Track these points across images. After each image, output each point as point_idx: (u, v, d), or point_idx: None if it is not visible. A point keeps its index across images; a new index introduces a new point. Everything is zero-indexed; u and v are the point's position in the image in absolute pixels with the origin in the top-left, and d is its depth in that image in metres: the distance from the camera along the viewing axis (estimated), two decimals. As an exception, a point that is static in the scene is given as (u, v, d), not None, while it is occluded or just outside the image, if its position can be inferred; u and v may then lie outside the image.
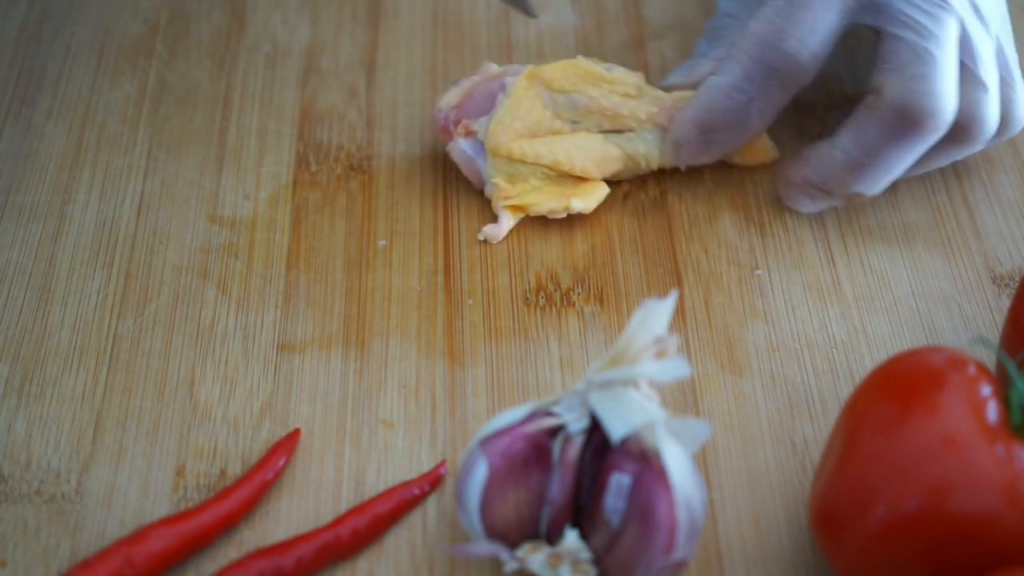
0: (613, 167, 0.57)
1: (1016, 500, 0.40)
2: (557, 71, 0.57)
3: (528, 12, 0.59)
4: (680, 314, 0.55)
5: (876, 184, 0.55)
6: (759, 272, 0.57)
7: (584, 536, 0.45)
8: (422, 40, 0.66)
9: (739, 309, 0.55)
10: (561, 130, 0.57)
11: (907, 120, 0.53)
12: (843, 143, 0.55)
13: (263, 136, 0.62)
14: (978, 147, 0.56)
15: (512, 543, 0.45)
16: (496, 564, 0.48)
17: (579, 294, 0.56)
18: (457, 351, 0.54)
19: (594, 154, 0.57)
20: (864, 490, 0.43)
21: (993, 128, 0.55)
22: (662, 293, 0.55)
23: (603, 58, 0.65)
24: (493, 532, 0.45)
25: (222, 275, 0.56)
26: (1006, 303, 0.56)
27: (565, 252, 0.57)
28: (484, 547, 0.44)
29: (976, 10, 0.54)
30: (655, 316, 0.44)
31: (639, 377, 0.44)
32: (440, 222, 0.58)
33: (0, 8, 0.67)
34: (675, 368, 0.43)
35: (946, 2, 0.53)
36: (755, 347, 0.54)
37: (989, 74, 0.54)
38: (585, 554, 0.44)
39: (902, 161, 0.55)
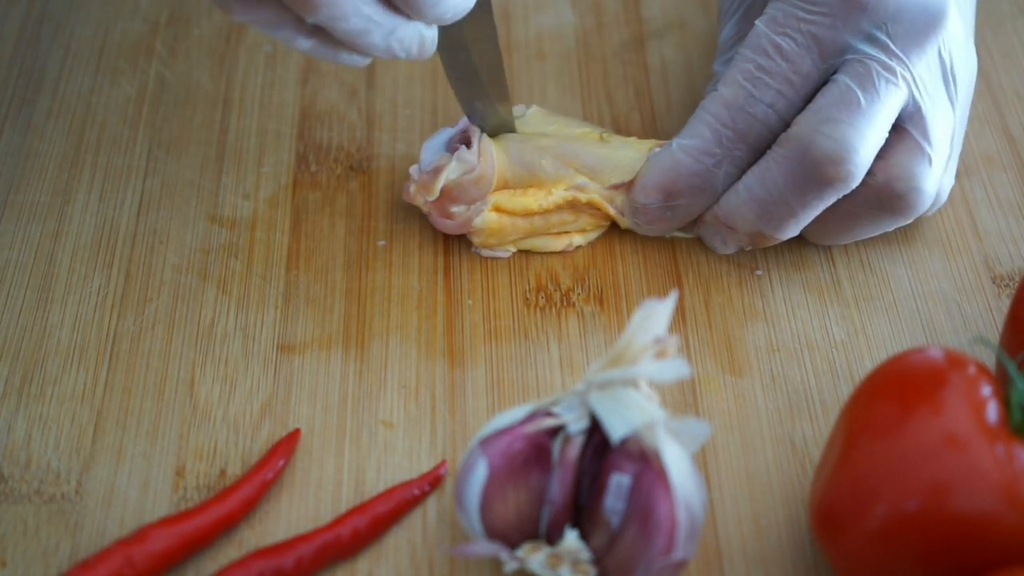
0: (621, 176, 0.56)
1: (1016, 500, 0.40)
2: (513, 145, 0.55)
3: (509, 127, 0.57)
4: (680, 314, 0.55)
5: (781, 227, 0.53)
6: (759, 272, 0.57)
7: (584, 536, 0.45)
8: (422, 40, 0.66)
9: (739, 309, 0.55)
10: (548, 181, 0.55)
11: (809, 163, 0.51)
12: (747, 180, 0.53)
13: (263, 136, 0.62)
14: (910, 219, 0.54)
15: (512, 543, 0.45)
16: (496, 564, 0.48)
17: (579, 294, 0.56)
18: (457, 351, 0.54)
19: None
20: (864, 490, 0.43)
21: (930, 200, 0.53)
22: (662, 293, 0.55)
23: (603, 58, 0.65)
24: (493, 532, 0.45)
25: (222, 275, 0.56)
26: (1006, 303, 0.56)
27: (565, 252, 0.57)
28: (484, 547, 0.44)
29: (945, 79, 0.53)
30: (655, 316, 0.44)
31: (639, 377, 0.44)
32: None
33: (0, 8, 0.67)
34: (675, 368, 0.43)
35: (906, 63, 0.51)
36: (755, 347, 0.54)
37: (937, 148, 0.52)
38: (585, 554, 0.44)
39: (806, 206, 0.52)
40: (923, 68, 0.52)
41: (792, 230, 0.53)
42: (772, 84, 0.52)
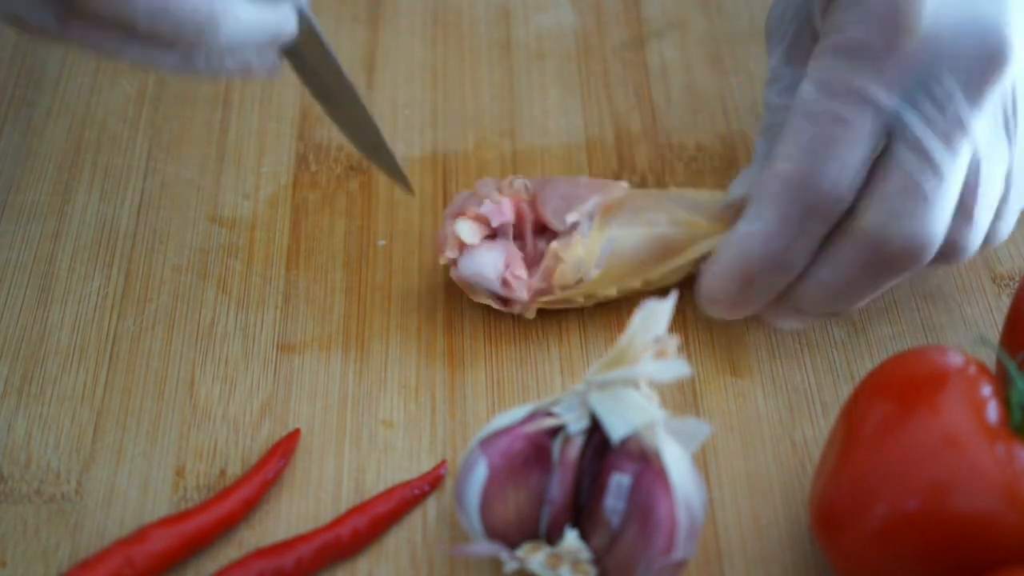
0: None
1: (1016, 500, 0.40)
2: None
3: (406, 188, 0.55)
4: (680, 314, 0.55)
5: (852, 305, 0.50)
6: (759, 272, 0.57)
7: (584, 536, 0.45)
8: (422, 40, 0.66)
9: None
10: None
11: (883, 257, 0.48)
12: (819, 272, 0.49)
13: (263, 136, 0.62)
14: (951, 265, 0.51)
15: (512, 543, 0.45)
16: (496, 564, 0.48)
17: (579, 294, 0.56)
18: (457, 351, 0.54)
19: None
20: (864, 490, 0.43)
21: (971, 253, 0.50)
22: (662, 293, 0.55)
23: (603, 58, 0.65)
24: (493, 532, 0.45)
25: (222, 275, 0.56)
26: (1006, 303, 0.56)
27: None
28: (484, 547, 0.44)
29: (1007, 120, 0.49)
30: (655, 316, 0.44)
31: (639, 377, 0.44)
32: (440, 222, 0.58)
33: (0, 8, 0.67)
34: (675, 368, 0.43)
35: (967, 132, 0.47)
36: (755, 347, 0.54)
37: (983, 209, 0.49)
38: (585, 554, 0.44)
39: (880, 288, 0.50)
40: (987, 119, 0.48)
41: (859, 304, 0.51)
42: (837, 154, 0.47)
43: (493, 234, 0.52)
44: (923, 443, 0.42)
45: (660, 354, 0.44)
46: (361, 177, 0.60)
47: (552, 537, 0.45)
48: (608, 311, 0.55)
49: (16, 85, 0.64)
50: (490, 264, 0.51)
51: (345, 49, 0.65)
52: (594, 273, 0.52)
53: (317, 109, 0.62)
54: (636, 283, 0.53)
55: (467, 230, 0.52)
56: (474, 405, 0.52)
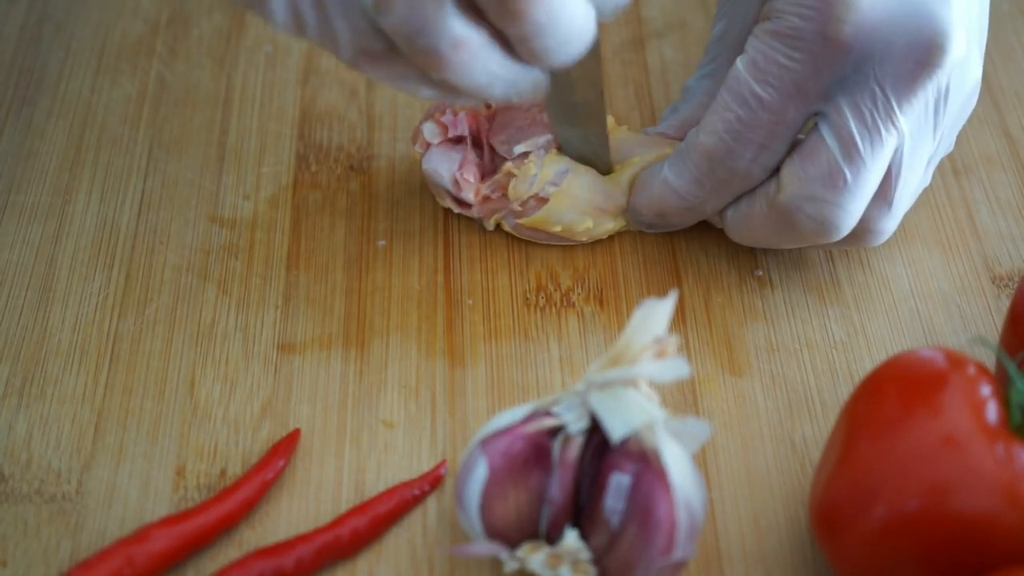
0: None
1: (1016, 500, 0.40)
2: None
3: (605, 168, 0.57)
4: (680, 314, 0.55)
5: (764, 248, 0.55)
6: (759, 272, 0.57)
7: (584, 536, 0.45)
8: (422, 40, 0.66)
9: (739, 309, 0.55)
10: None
11: (792, 230, 0.51)
12: (731, 217, 0.54)
13: (263, 136, 0.62)
14: (866, 247, 0.54)
15: (512, 543, 0.45)
16: (496, 564, 0.48)
17: (579, 294, 0.56)
18: (457, 351, 0.54)
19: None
20: (864, 490, 0.43)
21: (886, 238, 0.53)
22: (662, 293, 0.55)
23: (603, 58, 0.65)
24: (493, 532, 0.45)
25: (222, 275, 0.56)
26: (1006, 303, 0.56)
27: (565, 252, 0.57)
28: (484, 547, 0.44)
29: (936, 110, 0.49)
30: (655, 316, 0.44)
31: (639, 377, 0.44)
32: (440, 222, 0.58)
33: (0, 8, 0.67)
34: (675, 368, 0.43)
35: (895, 125, 0.48)
36: (755, 347, 0.54)
37: (903, 197, 0.51)
38: (585, 554, 0.44)
39: (785, 246, 0.54)
40: (916, 112, 0.49)
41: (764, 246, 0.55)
42: (754, 138, 0.50)
43: (462, 140, 0.56)
44: (923, 443, 0.42)
45: (660, 354, 0.44)
46: (361, 177, 0.60)
47: (552, 537, 0.45)
48: (608, 310, 0.55)
49: (16, 85, 0.64)
50: (445, 164, 0.55)
51: (345, 49, 0.65)
52: (550, 190, 0.54)
53: (317, 109, 0.62)
54: (604, 216, 0.56)
55: (429, 131, 0.56)
56: (474, 405, 0.52)
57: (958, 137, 0.62)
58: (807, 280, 0.56)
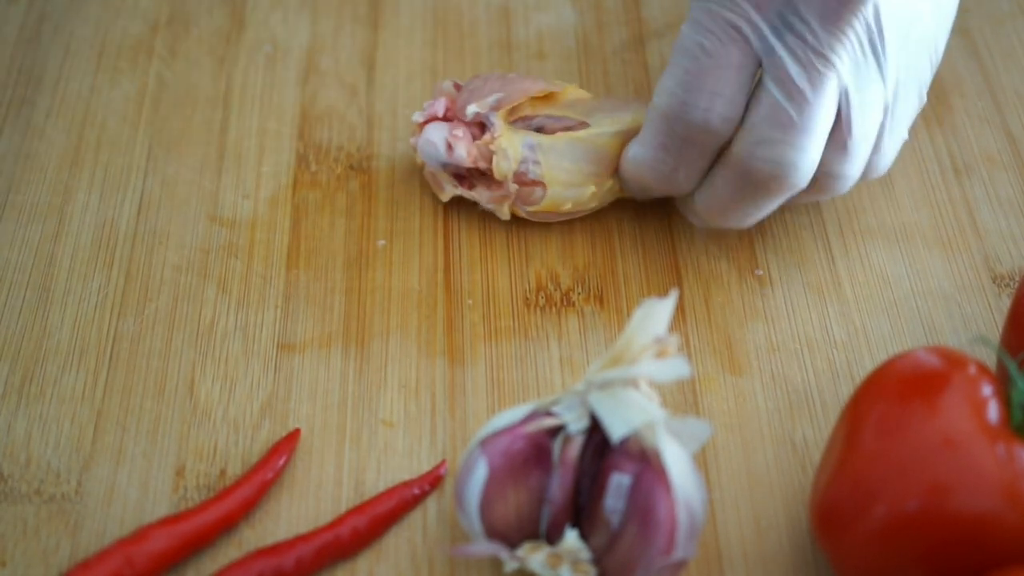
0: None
1: (1017, 500, 0.40)
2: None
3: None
4: (680, 314, 0.55)
5: (742, 223, 0.54)
6: (759, 272, 0.57)
7: (584, 536, 0.45)
8: (422, 40, 0.66)
9: (739, 309, 0.55)
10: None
11: (752, 182, 0.52)
12: (699, 194, 0.54)
13: (263, 136, 0.62)
14: (834, 196, 0.54)
15: (512, 543, 0.45)
16: (496, 564, 0.48)
17: (579, 294, 0.56)
18: (457, 351, 0.54)
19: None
20: (864, 490, 0.43)
21: (851, 183, 0.53)
22: (662, 293, 0.55)
23: (603, 57, 0.65)
24: (493, 532, 0.45)
25: (222, 275, 0.56)
26: (1006, 303, 0.56)
27: (565, 252, 0.57)
28: (484, 547, 0.44)
29: (873, 47, 0.51)
30: (655, 316, 0.44)
31: (639, 377, 0.44)
32: (440, 222, 0.58)
33: (0, 8, 0.67)
34: (675, 368, 0.43)
35: (828, 61, 0.50)
36: (755, 347, 0.54)
37: (858, 140, 0.52)
38: (585, 554, 0.44)
39: (760, 208, 0.53)
40: (849, 47, 0.50)
41: (754, 221, 0.55)
42: (704, 86, 0.51)
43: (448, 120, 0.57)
44: (923, 443, 0.42)
45: (660, 354, 0.44)
46: (361, 177, 0.60)
47: (552, 537, 0.45)
48: (608, 310, 0.55)
49: (16, 85, 0.64)
50: (435, 134, 0.56)
51: (345, 49, 0.65)
52: (536, 170, 0.55)
53: (317, 109, 0.62)
54: (602, 177, 0.56)
55: (417, 116, 0.57)
56: (474, 404, 0.52)
57: (959, 135, 0.62)
58: (807, 279, 0.56)
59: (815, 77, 0.50)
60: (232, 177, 0.60)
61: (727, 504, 0.49)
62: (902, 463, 0.42)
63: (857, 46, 0.51)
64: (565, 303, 0.55)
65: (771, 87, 0.50)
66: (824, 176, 0.52)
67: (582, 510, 0.45)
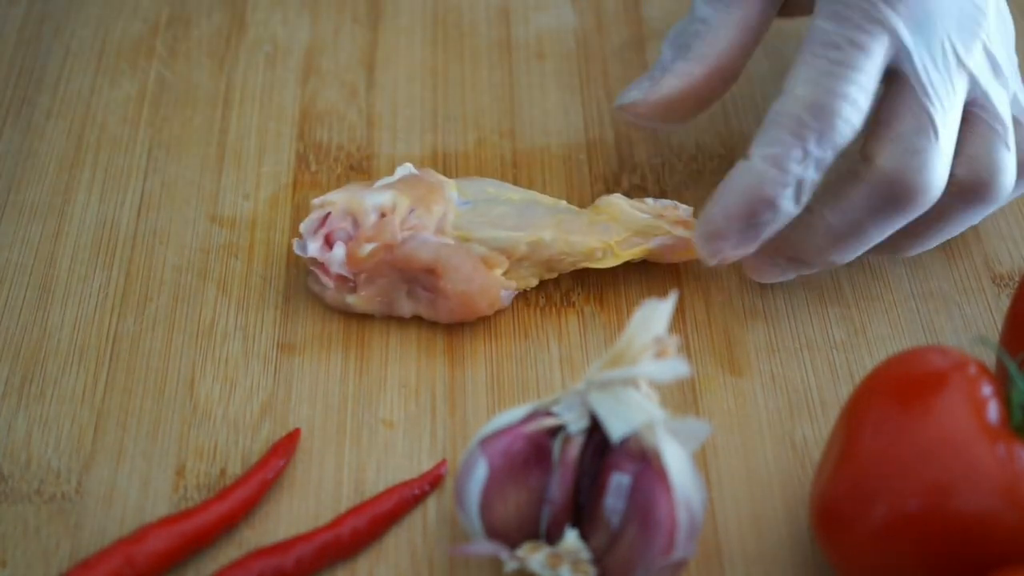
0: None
1: (1017, 500, 0.40)
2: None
3: None
4: (680, 314, 0.55)
5: (853, 255, 0.52)
6: (759, 272, 0.57)
7: (584, 536, 0.45)
8: (422, 40, 0.66)
9: (739, 309, 0.55)
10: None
11: (897, 197, 0.50)
12: (826, 215, 0.51)
13: (263, 136, 0.62)
14: (998, 205, 0.53)
15: (512, 543, 0.45)
16: (496, 564, 0.48)
17: (579, 294, 0.56)
18: (457, 351, 0.54)
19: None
20: (864, 490, 0.43)
21: (1013, 182, 0.52)
22: (662, 293, 0.55)
23: (603, 58, 0.65)
24: (493, 532, 0.45)
25: (222, 275, 0.56)
26: (1006, 303, 0.56)
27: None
28: (484, 547, 0.44)
29: (991, 61, 0.51)
30: (655, 316, 0.44)
31: (639, 377, 0.44)
32: (440, 222, 0.58)
33: (0, 8, 0.67)
34: (675, 368, 0.43)
35: (965, 68, 0.50)
36: (755, 347, 0.54)
37: (1008, 125, 0.51)
38: (585, 554, 0.44)
39: (883, 234, 0.51)
40: (977, 63, 0.51)
41: (858, 254, 0.53)
42: (851, 77, 0.49)
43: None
44: (923, 443, 0.42)
45: (660, 354, 0.44)
46: (361, 177, 0.60)
47: (552, 537, 0.45)
48: (608, 310, 0.55)
49: (16, 84, 0.64)
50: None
51: (345, 49, 0.65)
52: (451, 228, 0.53)
53: (317, 109, 0.62)
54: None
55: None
56: (474, 404, 0.52)
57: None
58: (807, 280, 0.56)
59: (951, 86, 0.50)
60: (232, 177, 0.60)
61: (727, 504, 0.49)
62: (902, 463, 0.42)
63: (983, 59, 0.51)
64: (565, 303, 0.55)
65: (914, 94, 0.49)
66: (992, 177, 0.51)
67: (582, 510, 0.45)
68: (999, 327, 0.55)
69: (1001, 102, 0.51)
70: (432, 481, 0.49)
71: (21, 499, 0.49)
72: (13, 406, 0.52)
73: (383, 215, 0.53)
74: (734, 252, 0.51)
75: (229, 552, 0.48)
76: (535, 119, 0.62)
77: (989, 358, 0.52)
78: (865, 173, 0.50)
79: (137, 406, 0.52)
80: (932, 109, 0.49)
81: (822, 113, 0.48)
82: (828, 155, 0.49)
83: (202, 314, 0.55)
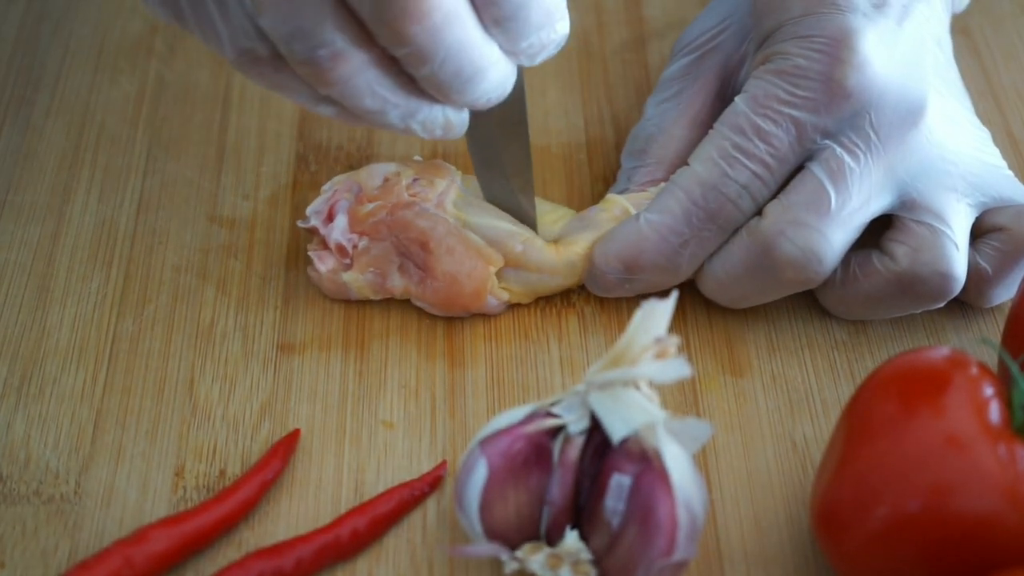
0: None
1: (1018, 501, 0.40)
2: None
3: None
4: (680, 314, 0.55)
5: (737, 305, 0.53)
6: (759, 272, 0.57)
7: (584, 537, 0.45)
8: (422, 40, 0.66)
9: (739, 309, 0.55)
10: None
11: (770, 262, 0.50)
12: (713, 262, 0.52)
13: (263, 136, 0.62)
14: (940, 303, 0.52)
15: (512, 544, 0.45)
16: (496, 564, 0.47)
17: (579, 294, 0.56)
18: (457, 351, 0.54)
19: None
20: (866, 490, 0.43)
21: (960, 285, 0.51)
22: (662, 294, 0.55)
23: (603, 58, 0.65)
24: (493, 533, 0.45)
25: (222, 275, 0.56)
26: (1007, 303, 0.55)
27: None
28: (484, 548, 0.44)
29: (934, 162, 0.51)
30: (655, 316, 0.44)
31: (639, 377, 0.44)
32: (440, 222, 0.58)
33: (-1, 7, 0.67)
34: (675, 368, 0.43)
35: (956, 190, 0.51)
36: (755, 347, 0.54)
37: (956, 229, 0.51)
38: (585, 555, 0.44)
39: (763, 295, 0.52)
40: (912, 159, 0.50)
41: (750, 304, 0.53)
42: (748, 165, 0.50)
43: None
44: (925, 443, 0.42)
45: (660, 354, 0.44)
46: (361, 177, 0.60)
47: (552, 538, 0.45)
48: (608, 311, 0.55)
49: (15, 84, 0.64)
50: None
51: (345, 49, 0.65)
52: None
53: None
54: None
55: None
56: (474, 405, 0.52)
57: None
58: (808, 280, 0.56)
59: (864, 179, 0.50)
60: (232, 177, 0.60)
61: (727, 504, 0.49)
62: (903, 463, 0.42)
63: (926, 158, 0.51)
64: (565, 303, 0.55)
65: (818, 173, 0.50)
66: (935, 275, 0.51)
67: (582, 511, 0.45)
68: (1000, 327, 0.55)
69: (945, 202, 0.51)
70: (432, 482, 0.49)
71: (19, 500, 0.49)
72: (12, 406, 0.52)
73: (387, 180, 0.54)
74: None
75: (228, 553, 0.48)
76: (535, 119, 0.62)
77: (991, 358, 0.52)
78: (751, 229, 0.51)
79: (136, 406, 0.52)
80: (830, 187, 0.49)
81: (713, 195, 0.50)
82: (710, 232, 0.51)
83: (201, 314, 0.55)
